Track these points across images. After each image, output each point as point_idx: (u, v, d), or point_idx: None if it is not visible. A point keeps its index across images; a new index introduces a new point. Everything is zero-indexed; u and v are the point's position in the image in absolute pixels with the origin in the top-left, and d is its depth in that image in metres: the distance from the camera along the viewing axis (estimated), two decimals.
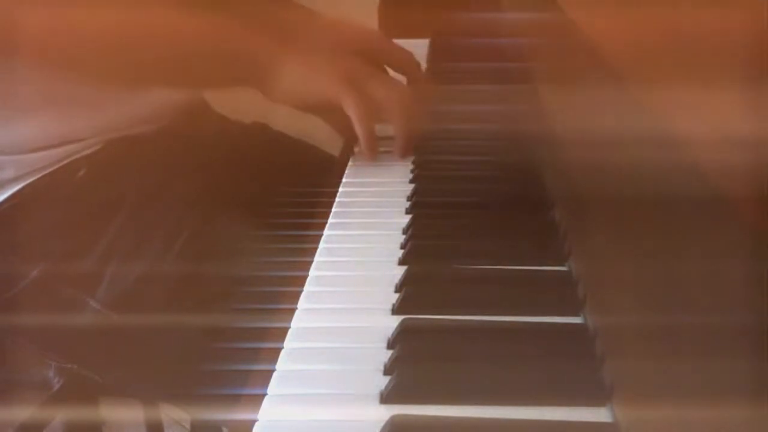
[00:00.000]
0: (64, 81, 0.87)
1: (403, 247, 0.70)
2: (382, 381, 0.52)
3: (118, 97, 0.93)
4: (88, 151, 0.91)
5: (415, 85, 1.05)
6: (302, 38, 0.90)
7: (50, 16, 0.80)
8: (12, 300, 0.87)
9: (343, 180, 0.86)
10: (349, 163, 0.90)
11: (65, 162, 0.90)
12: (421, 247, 0.69)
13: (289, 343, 0.57)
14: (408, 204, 0.79)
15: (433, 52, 1.36)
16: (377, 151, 0.89)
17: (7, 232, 0.89)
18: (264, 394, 0.52)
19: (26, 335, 0.90)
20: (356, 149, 0.92)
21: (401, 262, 0.68)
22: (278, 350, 0.56)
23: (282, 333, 0.58)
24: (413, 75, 1.03)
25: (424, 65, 1.27)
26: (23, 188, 0.89)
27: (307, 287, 0.65)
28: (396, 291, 0.63)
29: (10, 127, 0.89)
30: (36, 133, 0.89)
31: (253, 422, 0.49)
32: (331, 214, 0.78)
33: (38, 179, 0.90)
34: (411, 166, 0.89)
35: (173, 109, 0.98)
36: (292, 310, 0.61)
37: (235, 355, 0.73)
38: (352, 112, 0.85)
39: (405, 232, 0.73)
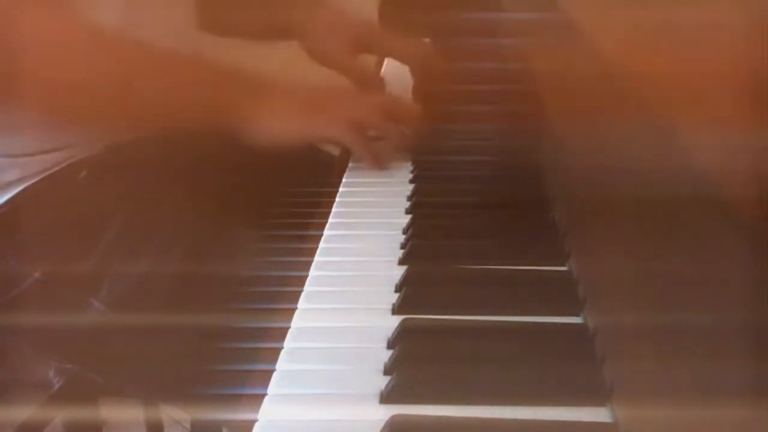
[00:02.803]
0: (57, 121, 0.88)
1: (403, 247, 0.70)
2: (382, 381, 0.52)
3: None
4: (89, 154, 0.92)
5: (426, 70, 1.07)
6: (282, 83, 0.92)
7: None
8: (14, 300, 0.88)
9: (343, 180, 0.86)
10: (349, 163, 0.90)
11: (66, 164, 0.91)
12: (421, 247, 0.69)
13: (289, 343, 0.57)
14: (408, 204, 0.79)
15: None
16: (383, 165, 0.90)
17: (10, 233, 0.89)
18: (264, 394, 0.52)
19: (28, 336, 0.90)
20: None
21: (401, 262, 0.68)
22: (278, 350, 0.56)
23: (282, 333, 0.58)
24: (420, 60, 1.05)
25: None
26: (25, 189, 0.90)
27: (307, 287, 0.65)
28: (396, 291, 0.63)
29: (15, 133, 0.90)
30: (39, 138, 0.90)
31: (253, 422, 0.49)
32: (331, 214, 0.78)
33: (40, 180, 0.90)
34: (411, 166, 0.89)
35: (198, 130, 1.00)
36: (292, 310, 0.61)
37: (235, 355, 0.73)
38: (354, 149, 0.89)
39: (405, 232, 0.73)
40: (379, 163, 0.90)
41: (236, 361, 0.69)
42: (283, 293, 0.64)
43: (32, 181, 0.90)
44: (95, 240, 0.87)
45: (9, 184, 0.90)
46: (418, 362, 0.54)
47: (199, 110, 0.88)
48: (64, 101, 0.84)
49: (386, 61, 1.28)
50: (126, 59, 0.86)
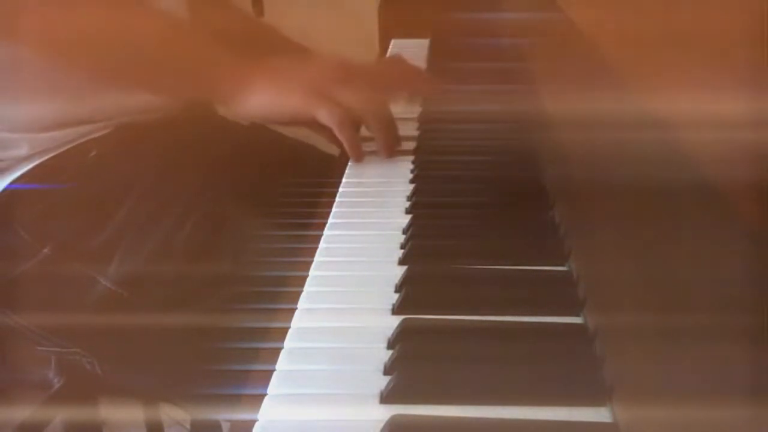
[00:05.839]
0: (54, 70, 0.89)
1: (403, 247, 0.70)
2: (382, 381, 0.52)
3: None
4: (99, 134, 0.93)
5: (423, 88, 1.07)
6: (271, 55, 0.92)
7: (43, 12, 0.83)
8: (22, 277, 0.88)
9: (343, 180, 0.86)
10: (349, 163, 0.90)
11: (77, 143, 0.92)
12: (421, 247, 0.69)
13: (289, 343, 0.57)
14: (408, 204, 0.79)
15: (433, 52, 1.36)
16: (362, 153, 0.90)
17: (21, 209, 0.90)
18: (264, 394, 0.52)
19: (35, 313, 0.90)
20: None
21: (401, 262, 0.68)
22: (278, 350, 0.56)
23: (282, 333, 0.58)
24: (416, 83, 1.05)
25: (424, 65, 1.28)
26: (36, 166, 0.91)
27: (307, 287, 0.65)
28: (396, 291, 0.63)
29: (23, 107, 0.90)
30: (48, 113, 0.91)
31: (253, 422, 0.49)
32: (331, 214, 0.78)
33: (50, 159, 0.91)
34: (411, 166, 0.89)
35: (179, 102, 1.00)
36: (292, 310, 0.61)
37: (235, 355, 0.73)
38: (328, 121, 0.87)
39: (405, 232, 0.73)
40: (358, 153, 0.90)
41: (236, 361, 0.69)
42: (283, 293, 0.64)
43: (42, 158, 0.91)
44: (103, 218, 0.88)
45: (19, 160, 0.91)
46: (418, 362, 0.54)
47: (185, 79, 0.90)
48: (59, 43, 0.85)
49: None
50: (124, 9, 0.87)
